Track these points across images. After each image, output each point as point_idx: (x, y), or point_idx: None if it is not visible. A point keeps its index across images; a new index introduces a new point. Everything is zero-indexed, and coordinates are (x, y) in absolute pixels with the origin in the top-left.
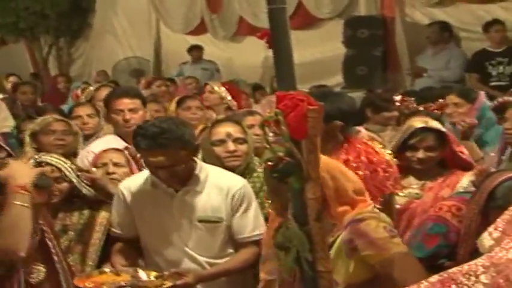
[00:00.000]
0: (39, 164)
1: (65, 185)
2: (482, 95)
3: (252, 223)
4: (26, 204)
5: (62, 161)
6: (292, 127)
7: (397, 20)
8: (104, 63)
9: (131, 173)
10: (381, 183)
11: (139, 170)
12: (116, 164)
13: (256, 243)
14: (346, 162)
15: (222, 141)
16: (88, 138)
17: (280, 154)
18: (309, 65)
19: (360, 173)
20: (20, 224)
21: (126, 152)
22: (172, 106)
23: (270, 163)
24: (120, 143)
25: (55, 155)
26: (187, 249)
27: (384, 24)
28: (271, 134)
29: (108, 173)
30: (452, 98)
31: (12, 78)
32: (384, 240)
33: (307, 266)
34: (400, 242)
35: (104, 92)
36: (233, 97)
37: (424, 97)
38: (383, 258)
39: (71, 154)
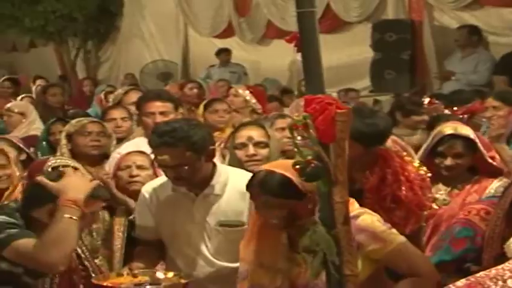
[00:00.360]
0: (55, 168)
1: None
2: None
3: None
4: (74, 218)
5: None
6: (321, 131)
7: (425, 23)
8: (131, 66)
9: (155, 175)
10: (420, 202)
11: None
12: (139, 167)
13: None
14: (383, 180)
15: (244, 145)
16: (120, 141)
17: (309, 157)
18: (336, 69)
19: (401, 192)
20: (66, 238)
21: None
22: (200, 109)
23: (298, 166)
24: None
25: (67, 158)
26: (207, 253)
27: (412, 28)
28: (299, 138)
29: (132, 176)
30: (491, 101)
31: (39, 81)
32: (386, 233)
33: (334, 270)
34: (397, 232)
35: (133, 95)
36: (258, 100)
37: (453, 100)
38: (388, 250)
39: (103, 156)
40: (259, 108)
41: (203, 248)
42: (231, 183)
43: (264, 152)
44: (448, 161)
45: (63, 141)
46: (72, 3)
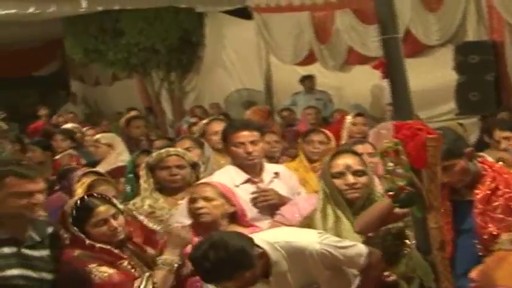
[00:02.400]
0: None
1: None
2: None
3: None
4: None
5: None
6: (412, 156)
7: (506, 43)
8: (215, 96)
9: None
10: None
11: None
12: (205, 198)
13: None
14: (493, 192)
15: (341, 174)
16: None
17: (401, 184)
18: (420, 93)
19: None
20: None
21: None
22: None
23: (390, 193)
24: (241, 175)
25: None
26: None
27: (494, 49)
28: (390, 164)
29: (197, 208)
30: None
31: (133, 113)
32: None
33: None
34: None
35: (216, 125)
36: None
37: None
38: None
39: (192, 184)
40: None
41: None
42: (290, 262)
43: (363, 179)
44: None
45: (143, 173)
46: (155, 36)
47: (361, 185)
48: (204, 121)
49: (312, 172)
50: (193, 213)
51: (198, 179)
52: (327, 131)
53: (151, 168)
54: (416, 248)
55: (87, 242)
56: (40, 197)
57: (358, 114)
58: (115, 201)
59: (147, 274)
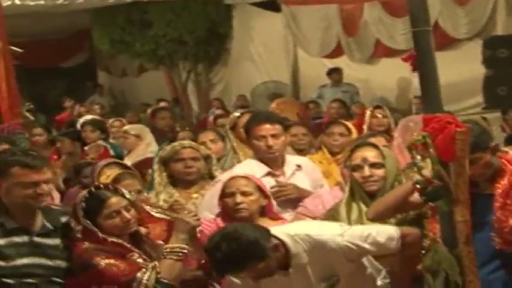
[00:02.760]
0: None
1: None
2: None
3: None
4: None
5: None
6: (441, 150)
7: None
8: (242, 88)
9: (264, 198)
10: None
11: None
12: (243, 193)
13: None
14: None
15: (359, 166)
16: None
17: (429, 177)
18: (447, 87)
19: None
20: None
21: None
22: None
23: (418, 186)
24: (262, 168)
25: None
26: None
27: None
28: (418, 157)
29: (236, 203)
30: None
31: (163, 104)
32: None
33: None
34: None
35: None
36: None
37: None
38: None
39: (205, 177)
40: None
41: None
42: (311, 254)
43: (379, 172)
44: None
45: (156, 166)
46: (182, 27)
47: (377, 178)
48: (236, 114)
49: (335, 164)
50: (232, 207)
51: (210, 171)
52: (347, 123)
53: (165, 162)
54: (442, 241)
55: (100, 235)
56: (45, 187)
57: (377, 107)
58: (127, 193)
59: (151, 264)
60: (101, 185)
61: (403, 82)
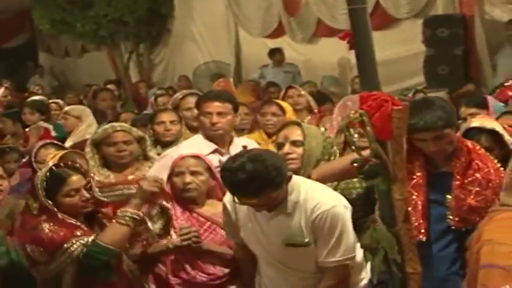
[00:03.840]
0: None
1: None
2: None
3: (330, 248)
4: None
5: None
6: (378, 128)
7: (476, 18)
8: (184, 68)
9: (212, 179)
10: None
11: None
12: (193, 173)
13: (335, 269)
14: (468, 165)
15: (281, 144)
16: (169, 144)
17: (366, 155)
18: (388, 66)
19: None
20: None
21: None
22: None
23: (355, 164)
24: (209, 145)
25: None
26: (282, 266)
27: (463, 23)
28: (356, 135)
29: (185, 183)
30: None
31: (111, 86)
32: None
33: (396, 268)
34: None
35: (190, 100)
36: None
37: None
38: None
39: (140, 159)
40: (316, 108)
41: (277, 262)
42: (301, 201)
43: (299, 150)
44: None
45: (88, 149)
46: (123, 7)
47: (296, 156)
48: (178, 95)
49: (272, 145)
50: (180, 187)
51: (145, 153)
52: (281, 102)
53: (97, 145)
54: (380, 219)
55: (60, 216)
56: None
57: (289, 87)
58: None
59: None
60: (61, 164)
61: (344, 61)
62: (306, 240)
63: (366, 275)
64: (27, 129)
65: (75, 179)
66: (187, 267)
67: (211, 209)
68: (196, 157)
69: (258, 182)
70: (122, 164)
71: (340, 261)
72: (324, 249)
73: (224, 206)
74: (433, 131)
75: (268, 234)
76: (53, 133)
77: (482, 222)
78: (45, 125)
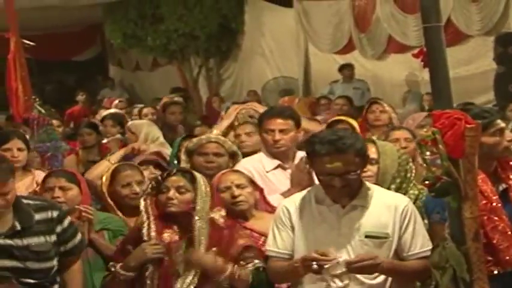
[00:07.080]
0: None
1: None
2: None
3: (422, 239)
4: None
5: None
6: (450, 146)
7: None
8: (253, 83)
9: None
10: None
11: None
12: (238, 186)
13: (423, 261)
14: None
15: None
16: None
17: (438, 173)
18: (457, 83)
19: None
20: None
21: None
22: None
23: (427, 182)
24: (272, 161)
25: None
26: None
27: None
28: (428, 153)
29: (234, 196)
30: None
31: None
32: None
33: (464, 287)
34: None
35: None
36: None
37: None
38: None
39: None
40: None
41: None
42: (376, 196)
43: (373, 168)
44: None
45: (184, 157)
46: (194, 22)
47: (371, 173)
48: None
49: None
50: (230, 201)
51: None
52: (350, 120)
53: (190, 154)
54: (450, 238)
55: None
56: (9, 197)
57: (374, 102)
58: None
59: None
60: None
61: (413, 77)
62: (387, 231)
63: None
64: (104, 141)
65: None
66: None
67: (260, 222)
68: (236, 171)
69: (345, 140)
70: (208, 175)
71: (426, 252)
72: (417, 240)
73: (282, 210)
74: None
75: (343, 231)
76: None
77: None
78: (122, 138)
